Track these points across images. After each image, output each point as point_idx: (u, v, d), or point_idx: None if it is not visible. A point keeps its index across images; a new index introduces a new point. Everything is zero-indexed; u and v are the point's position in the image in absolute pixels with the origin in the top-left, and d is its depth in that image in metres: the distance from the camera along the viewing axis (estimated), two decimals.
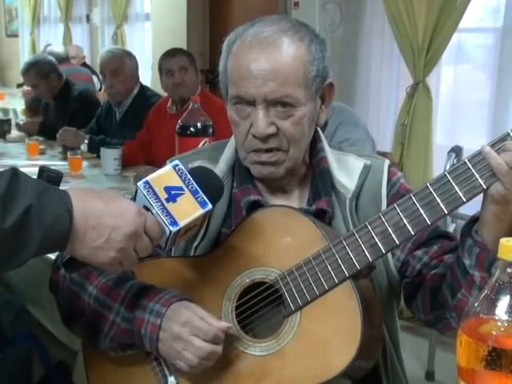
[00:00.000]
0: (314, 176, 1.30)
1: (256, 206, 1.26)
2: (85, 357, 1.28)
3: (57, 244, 0.96)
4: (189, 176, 1.06)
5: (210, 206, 1.05)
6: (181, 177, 1.06)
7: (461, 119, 3.52)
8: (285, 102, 1.18)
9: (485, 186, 1.02)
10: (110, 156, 3.12)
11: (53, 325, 2.01)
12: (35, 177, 2.01)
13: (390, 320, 1.31)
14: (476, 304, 0.80)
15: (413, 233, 1.07)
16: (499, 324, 0.78)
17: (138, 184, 1.04)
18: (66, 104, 4.21)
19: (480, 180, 1.02)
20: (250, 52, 1.19)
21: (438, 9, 3.19)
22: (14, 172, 0.95)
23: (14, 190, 0.92)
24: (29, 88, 4.75)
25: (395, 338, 1.31)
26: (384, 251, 1.09)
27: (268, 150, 1.22)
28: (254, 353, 1.14)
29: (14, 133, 4.25)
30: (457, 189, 1.03)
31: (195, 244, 1.27)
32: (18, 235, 0.91)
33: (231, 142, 1.35)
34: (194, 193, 1.05)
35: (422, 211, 1.06)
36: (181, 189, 1.05)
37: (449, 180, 1.04)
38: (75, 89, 4.31)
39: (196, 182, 1.06)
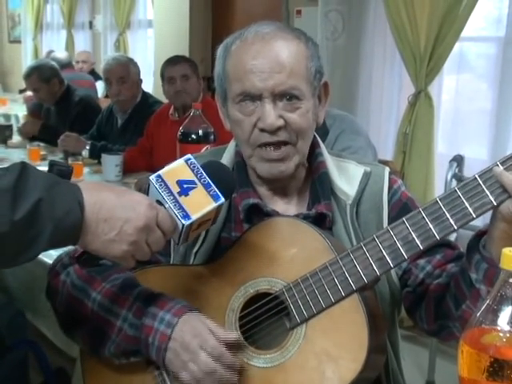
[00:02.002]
0: (313, 181, 1.30)
1: (255, 209, 1.26)
2: (82, 364, 1.26)
3: (68, 237, 0.97)
4: (201, 170, 1.06)
5: (222, 199, 1.05)
6: (193, 170, 1.05)
7: (462, 128, 3.52)
8: (291, 94, 1.19)
9: (495, 203, 1.01)
10: (112, 162, 3.12)
11: (51, 331, 2.00)
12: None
13: (391, 329, 1.30)
14: (478, 314, 0.79)
15: (421, 247, 1.06)
16: (501, 335, 0.77)
17: (151, 178, 1.04)
18: (67, 109, 4.23)
19: (490, 197, 1.01)
20: (252, 48, 1.20)
21: (440, 17, 3.19)
22: (24, 166, 0.96)
23: (24, 183, 0.92)
24: (30, 94, 4.76)
25: (396, 346, 1.31)
26: (392, 265, 1.08)
27: (276, 147, 1.22)
28: (257, 364, 1.12)
29: (16, 138, 4.25)
30: (467, 204, 1.02)
31: (195, 249, 1.26)
32: (28, 228, 0.91)
33: (230, 147, 1.36)
34: (207, 186, 1.04)
35: (431, 226, 1.05)
36: (193, 182, 1.04)
37: (459, 196, 1.03)
38: (76, 94, 4.33)
39: (208, 176, 1.05)
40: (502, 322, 0.77)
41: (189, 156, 1.07)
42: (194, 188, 1.04)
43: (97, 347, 1.18)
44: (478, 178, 1.02)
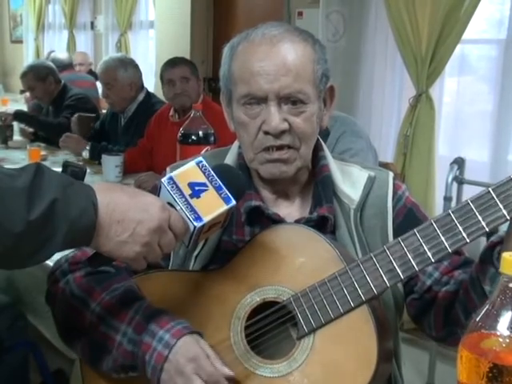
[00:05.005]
0: (316, 184, 1.29)
1: (256, 212, 1.25)
2: (82, 368, 1.25)
3: (82, 238, 0.97)
4: (212, 172, 1.06)
5: (233, 202, 1.05)
6: (204, 173, 1.06)
7: (463, 130, 3.51)
8: (297, 97, 1.19)
9: (508, 217, 1.00)
10: (112, 163, 3.10)
11: (50, 333, 2.00)
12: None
13: (394, 335, 1.28)
14: (477, 319, 0.79)
15: (433, 260, 1.05)
16: (501, 340, 0.76)
17: (162, 180, 1.05)
18: (62, 108, 4.26)
19: (504, 211, 1.00)
20: (259, 49, 1.19)
21: (441, 20, 3.18)
22: (39, 166, 0.96)
23: (39, 184, 0.93)
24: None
25: (397, 352, 1.30)
26: (402, 277, 1.07)
27: (279, 148, 1.21)
28: (263, 374, 1.11)
29: (17, 138, 4.26)
30: (480, 218, 1.01)
31: (195, 253, 1.25)
32: (43, 227, 0.91)
33: (233, 149, 1.35)
34: (218, 189, 1.05)
35: (442, 238, 1.04)
36: (204, 185, 1.05)
37: (471, 208, 1.02)
38: (71, 92, 4.36)
39: (219, 179, 1.06)
40: (502, 327, 0.77)
41: (200, 159, 1.07)
42: (205, 190, 1.05)
43: (95, 360, 1.16)
44: (492, 192, 1.01)
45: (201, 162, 1.07)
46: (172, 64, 3.37)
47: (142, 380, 1.14)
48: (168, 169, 1.36)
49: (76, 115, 3.85)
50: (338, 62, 3.83)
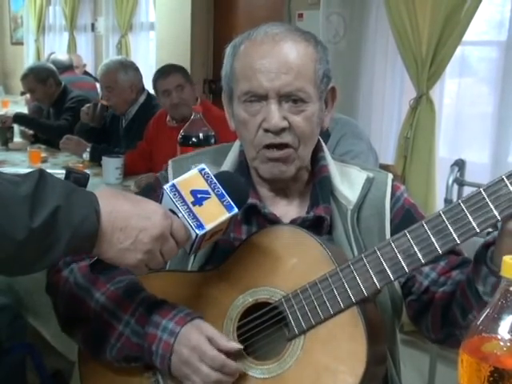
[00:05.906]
0: (314, 184, 1.29)
1: (253, 210, 1.25)
2: (80, 369, 1.26)
3: (84, 245, 0.97)
4: (215, 180, 1.06)
5: (236, 209, 1.05)
6: (207, 180, 1.06)
7: (464, 132, 3.51)
8: (297, 96, 1.19)
9: (499, 218, 0.99)
10: (112, 165, 3.11)
11: (50, 335, 2.00)
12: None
13: (391, 336, 1.29)
14: (478, 323, 0.78)
15: (423, 261, 1.04)
16: (501, 343, 0.76)
17: (165, 187, 1.05)
18: (63, 110, 4.26)
19: (495, 211, 0.99)
20: (261, 47, 1.20)
21: (442, 21, 3.18)
22: (42, 173, 0.96)
23: (42, 191, 0.93)
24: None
25: (395, 354, 1.29)
26: (393, 278, 1.06)
27: (279, 148, 1.21)
28: (254, 375, 1.11)
29: (17, 140, 4.26)
30: (470, 219, 1.00)
31: None
32: (46, 235, 0.91)
33: (235, 147, 1.35)
34: (220, 196, 1.05)
35: (433, 240, 1.03)
36: (207, 192, 1.05)
37: (462, 209, 1.01)
38: (72, 94, 4.36)
39: (222, 186, 1.06)
40: (503, 330, 0.76)
41: (202, 166, 1.08)
42: (207, 198, 1.05)
43: (96, 349, 1.17)
44: (483, 192, 1.00)
45: (203, 169, 1.07)
46: (165, 74, 3.31)
47: (139, 374, 1.16)
48: (170, 161, 1.36)
49: (89, 104, 3.83)
50: (338, 64, 3.82)
